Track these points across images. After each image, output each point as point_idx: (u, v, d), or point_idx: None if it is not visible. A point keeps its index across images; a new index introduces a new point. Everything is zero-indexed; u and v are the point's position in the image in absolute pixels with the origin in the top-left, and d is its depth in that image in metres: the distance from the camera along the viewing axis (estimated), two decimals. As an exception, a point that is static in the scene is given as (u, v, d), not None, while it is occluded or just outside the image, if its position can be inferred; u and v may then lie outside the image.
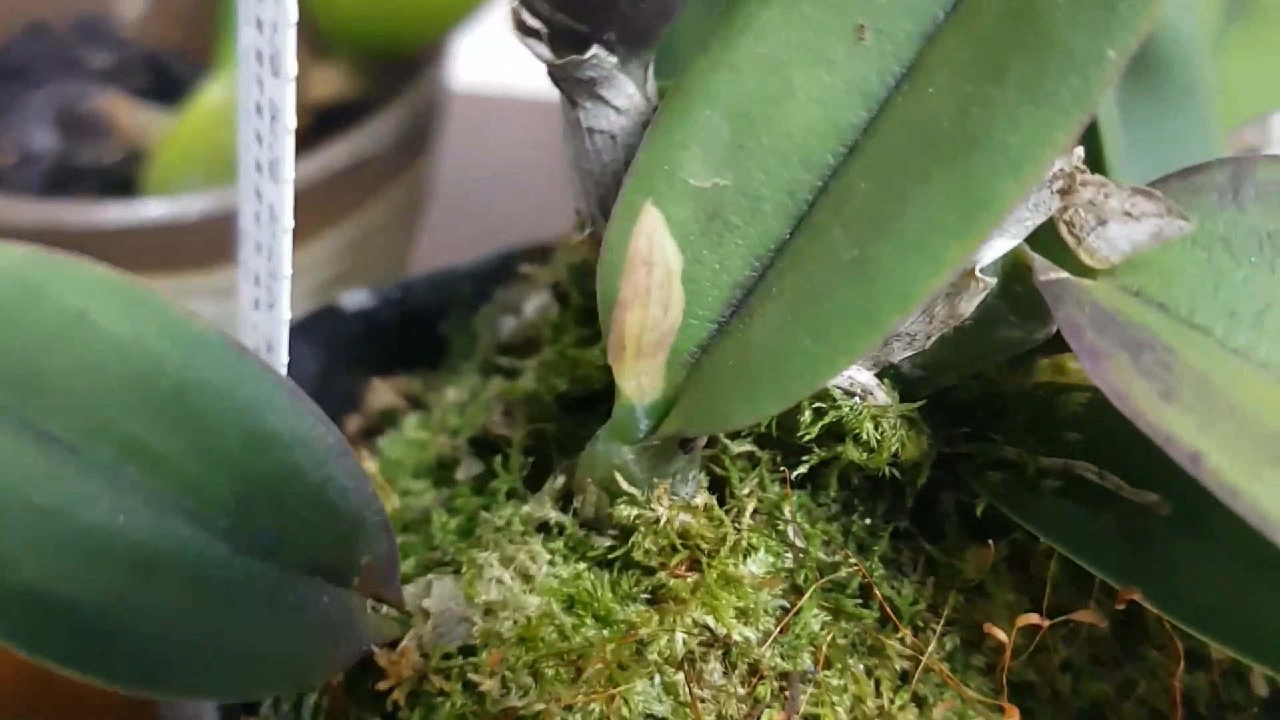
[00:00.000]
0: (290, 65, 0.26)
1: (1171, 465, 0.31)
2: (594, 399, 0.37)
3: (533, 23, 0.29)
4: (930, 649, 0.31)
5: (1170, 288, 0.27)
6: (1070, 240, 0.27)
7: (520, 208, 0.82)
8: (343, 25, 0.69)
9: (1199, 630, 0.29)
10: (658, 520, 0.30)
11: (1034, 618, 0.28)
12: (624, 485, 0.30)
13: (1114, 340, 0.24)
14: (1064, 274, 0.26)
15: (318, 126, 0.69)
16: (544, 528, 0.32)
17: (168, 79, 0.74)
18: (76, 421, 0.28)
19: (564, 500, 0.33)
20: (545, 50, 0.29)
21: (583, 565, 0.31)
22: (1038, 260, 0.27)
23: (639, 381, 0.28)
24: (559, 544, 0.32)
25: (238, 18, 0.31)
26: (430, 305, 0.49)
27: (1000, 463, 0.32)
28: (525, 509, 0.33)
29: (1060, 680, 0.32)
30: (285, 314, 0.30)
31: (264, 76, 0.28)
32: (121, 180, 0.69)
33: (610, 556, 0.31)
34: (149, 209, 0.56)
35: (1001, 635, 0.29)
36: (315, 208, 0.63)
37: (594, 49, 0.29)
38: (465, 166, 0.82)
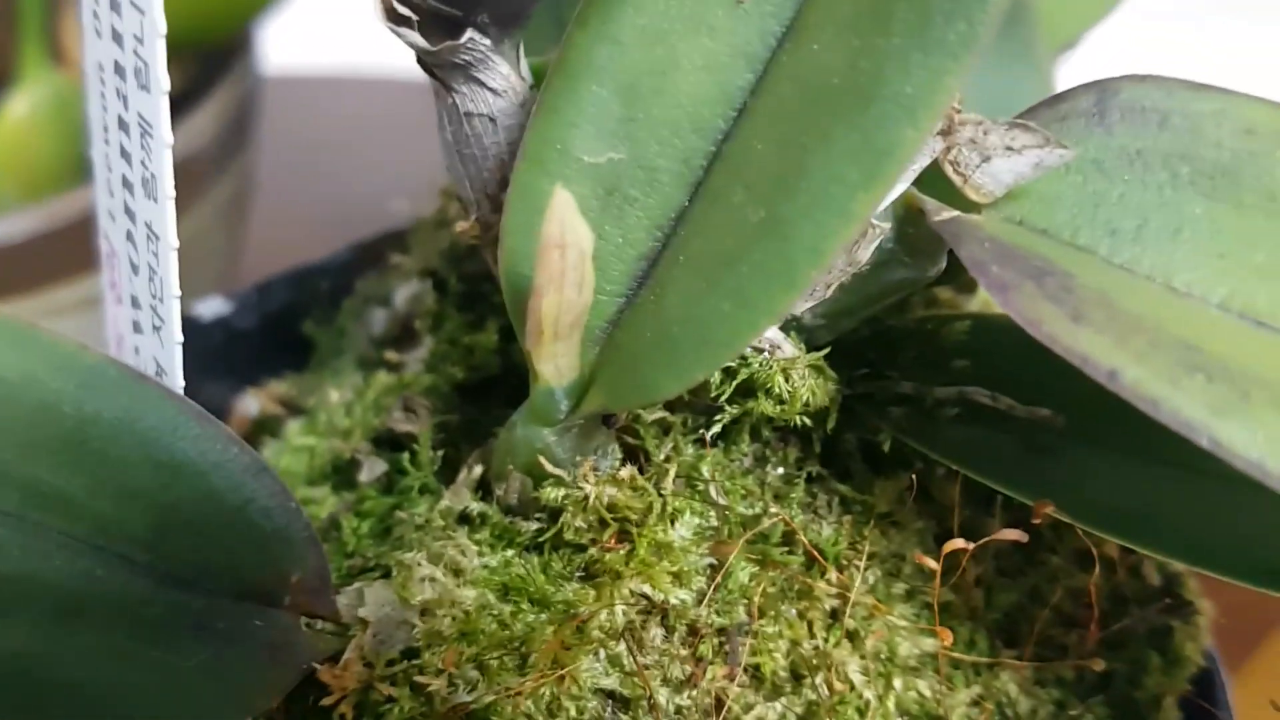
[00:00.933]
0: (163, 78, 0.25)
1: (1057, 380, 0.33)
2: (491, 385, 0.37)
3: (404, 11, 0.28)
4: (856, 585, 0.32)
5: (1051, 214, 0.28)
6: (956, 179, 0.27)
7: (346, 189, 0.81)
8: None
9: (1104, 530, 0.31)
10: (585, 498, 0.30)
11: (959, 542, 0.30)
12: (549, 468, 0.30)
13: (1016, 270, 0.25)
14: (955, 213, 0.27)
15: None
16: (465, 519, 0.32)
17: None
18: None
19: (481, 489, 0.33)
20: (418, 38, 0.28)
21: (511, 552, 0.31)
22: (929, 202, 0.28)
23: (556, 364, 0.28)
24: (484, 534, 0.32)
25: (83, 30, 0.30)
26: (288, 305, 0.48)
27: (899, 398, 0.33)
28: (444, 503, 0.32)
29: (974, 596, 0.34)
30: (177, 335, 0.28)
31: (128, 91, 0.27)
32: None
33: (539, 540, 0.31)
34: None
35: (931, 563, 0.30)
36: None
37: (468, 33, 0.28)
38: (284, 152, 0.80)
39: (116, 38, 0.27)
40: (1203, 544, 0.30)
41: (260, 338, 0.47)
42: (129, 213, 0.29)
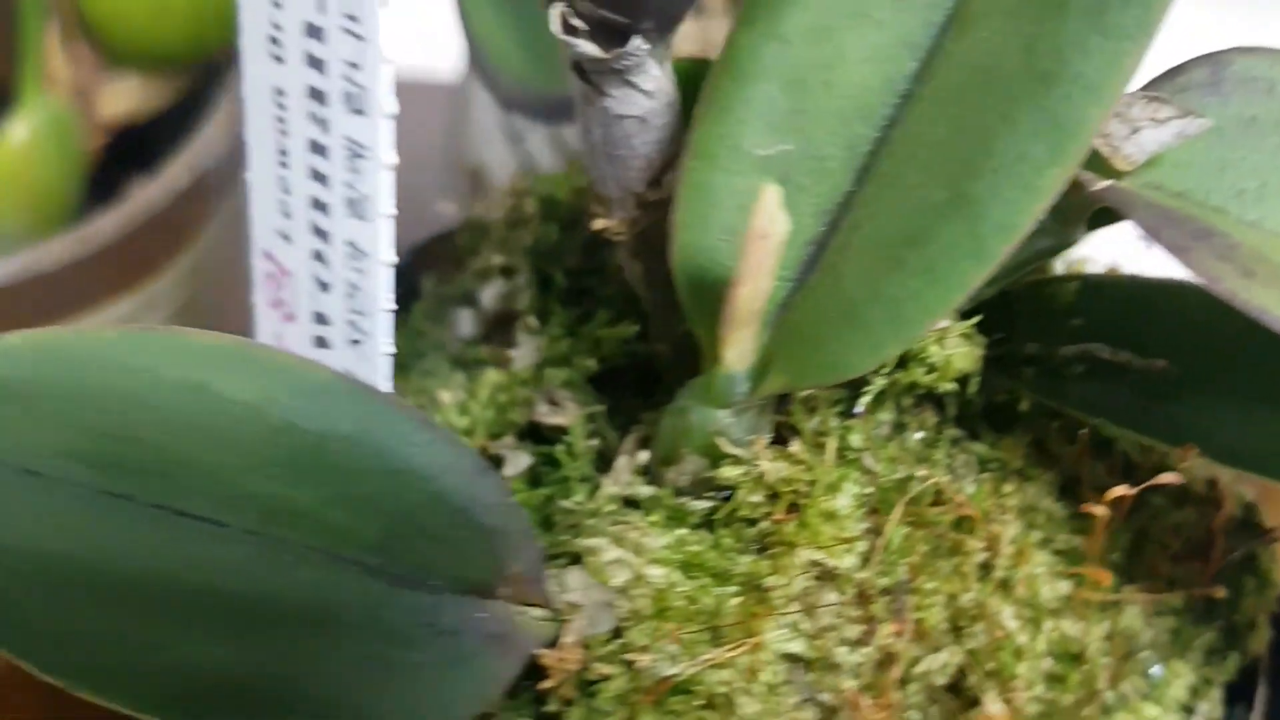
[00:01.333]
0: (386, 102, 0.26)
1: (1162, 334, 0.35)
2: (617, 375, 0.38)
3: (577, 23, 0.29)
4: (1004, 537, 0.34)
5: (1185, 179, 0.31)
6: (1106, 150, 0.30)
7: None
8: (133, 35, 0.66)
9: (1232, 464, 0.34)
10: (763, 474, 0.32)
11: (1122, 489, 0.32)
12: (728, 448, 0.32)
13: (1185, 233, 0.28)
14: (1110, 182, 0.29)
15: (113, 147, 0.66)
16: (633, 504, 0.34)
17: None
18: (215, 494, 0.27)
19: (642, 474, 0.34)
20: (592, 47, 0.30)
21: (683, 531, 0.33)
22: (1084, 173, 0.30)
23: (740, 349, 0.30)
24: (656, 516, 0.33)
25: (245, 56, 0.30)
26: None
27: (1027, 359, 0.35)
28: (610, 489, 0.34)
29: (1097, 541, 0.36)
30: (388, 347, 0.30)
31: (330, 115, 0.27)
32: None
33: (709, 518, 0.33)
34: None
35: (1099, 510, 0.32)
36: (159, 237, 0.60)
37: (635, 39, 0.30)
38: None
39: (315, 63, 0.28)
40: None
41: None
42: (319, 232, 0.30)
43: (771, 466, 0.32)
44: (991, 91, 0.27)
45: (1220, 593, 0.36)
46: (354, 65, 0.26)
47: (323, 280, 0.30)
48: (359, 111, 0.27)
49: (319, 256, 0.30)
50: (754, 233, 0.27)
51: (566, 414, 0.36)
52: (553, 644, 0.30)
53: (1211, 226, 0.28)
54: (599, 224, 0.35)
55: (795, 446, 0.33)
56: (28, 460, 0.27)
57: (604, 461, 0.35)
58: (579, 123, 0.33)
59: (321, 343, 0.31)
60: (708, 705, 0.31)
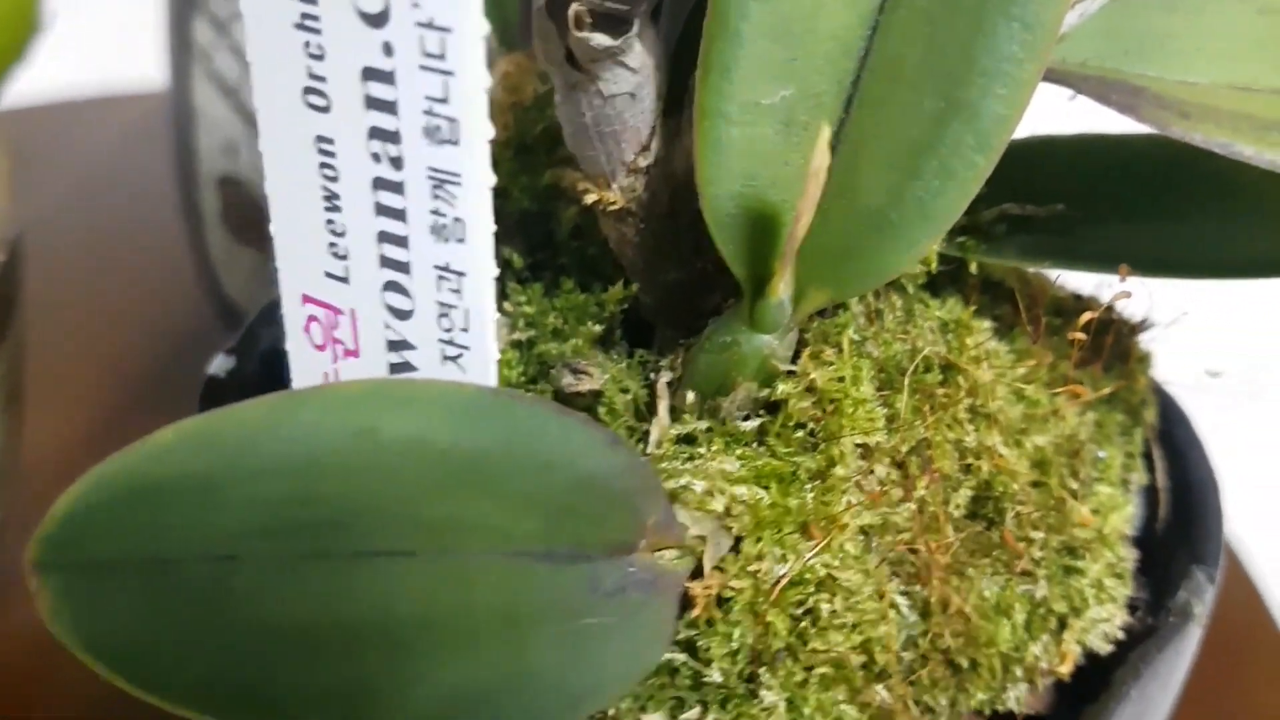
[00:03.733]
0: (482, 129, 0.28)
1: (1047, 181, 0.42)
2: (609, 333, 0.41)
3: (587, 17, 0.32)
4: (983, 382, 0.40)
5: (1081, 49, 0.37)
6: (1028, 39, 0.35)
7: (118, 208, 0.78)
8: None
9: (1143, 273, 0.40)
10: (813, 381, 0.36)
11: (1089, 315, 0.38)
12: (782, 367, 0.35)
13: (1125, 93, 0.34)
14: (1043, 65, 0.35)
15: None
16: (689, 439, 0.37)
17: None
18: (400, 529, 0.28)
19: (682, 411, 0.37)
20: (604, 38, 0.32)
21: (741, 449, 0.37)
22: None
23: (788, 278, 0.34)
24: (717, 444, 0.37)
25: (267, 108, 0.31)
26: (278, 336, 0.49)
27: (960, 229, 0.41)
28: (670, 432, 0.37)
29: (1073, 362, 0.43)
30: (495, 353, 0.31)
31: (404, 151, 0.29)
32: None
33: (760, 433, 0.37)
34: None
35: (1081, 336, 0.38)
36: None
37: (636, 24, 0.32)
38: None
39: (377, 105, 0.29)
40: (1221, 261, 0.40)
41: (260, 378, 0.48)
42: (392, 264, 0.31)
43: (821, 373, 0.36)
44: (959, 9, 0.32)
45: (1142, 380, 0.43)
46: (440, 100, 0.28)
47: (400, 309, 0.32)
48: (449, 142, 0.28)
49: (396, 287, 0.31)
50: (815, 170, 0.30)
51: (595, 379, 0.38)
52: (691, 577, 0.33)
53: (1134, 84, 0.34)
54: (591, 199, 0.37)
55: (830, 352, 0.37)
56: (219, 548, 0.28)
57: (639, 411, 0.38)
58: (563, 111, 0.35)
59: (401, 368, 0.32)
60: (819, 588, 0.35)
